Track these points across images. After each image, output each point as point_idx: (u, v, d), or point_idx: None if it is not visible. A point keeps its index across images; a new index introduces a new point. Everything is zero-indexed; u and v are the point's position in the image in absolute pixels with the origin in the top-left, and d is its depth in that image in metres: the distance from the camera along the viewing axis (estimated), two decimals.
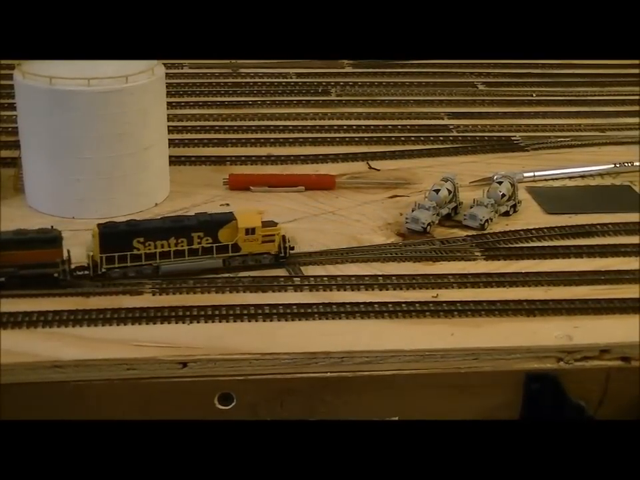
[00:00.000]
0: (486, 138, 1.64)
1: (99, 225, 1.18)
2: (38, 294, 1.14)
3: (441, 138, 1.64)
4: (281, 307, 1.13)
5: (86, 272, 1.17)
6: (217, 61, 1.89)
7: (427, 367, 1.09)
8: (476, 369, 1.09)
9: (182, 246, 1.18)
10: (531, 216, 1.38)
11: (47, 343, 1.06)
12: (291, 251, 1.22)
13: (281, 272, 1.21)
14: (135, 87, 1.31)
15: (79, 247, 1.24)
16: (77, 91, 1.29)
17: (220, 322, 1.11)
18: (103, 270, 1.16)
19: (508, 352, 1.09)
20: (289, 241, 1.21)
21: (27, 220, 1.32)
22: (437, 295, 1.17)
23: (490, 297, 1.16)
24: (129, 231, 1.17)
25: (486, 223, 1.32)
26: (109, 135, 1.31)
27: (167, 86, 1.40)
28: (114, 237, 1.17)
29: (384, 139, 1.63)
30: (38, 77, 1.29)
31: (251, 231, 1.19)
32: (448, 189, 1.35)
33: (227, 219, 1.20)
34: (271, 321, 1.11)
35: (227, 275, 1.20)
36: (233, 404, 1.07)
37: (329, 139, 1.62)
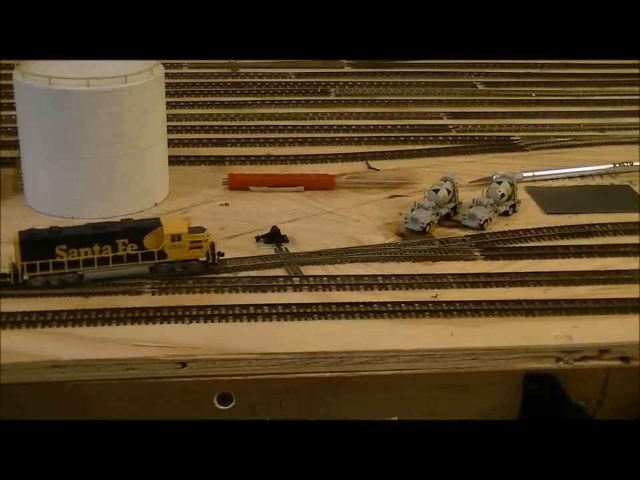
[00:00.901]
0: (485, 138, 1.64)
1: (20, 232, 1.16)
2: (37, 294, 1.14)
3: (440, 138, 1.64)
4: (280, 306, 1.13)
5: (7, 279, 1.15)
6: (216, 60, 1.89)
7: (427, 366, 1.09)
8: (475, 368, 1.09)
9: (106, 253, 1.15)
10: (530, 216, 1.38)
11: (46, 343, 1.06)
12: (220, 257, 1.20)
13: (280, 272, 1.21)
14: (134, 87, 1.31)
15: None
16: (76, 91, 1.29)
17: (219, 322, 1.11)
18: (25, 278, 1.14)
19: (507, 352, 1.09)
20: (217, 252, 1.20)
21: (26, 220, 1.32)
22: (436, 294, 1.17)
23: (489, 297, 1.16)
24: (50, 238, 1.15)
25: (485, 223, 1.32)
26: (108, 134, 1.31)
27: (166, 86, 1.40)
28: (35, 244, 1.15)
29: (383, 138, 1.63)
30: (37, 77, 1.29)
31: (177, 238, 1.17)
32: (447, 189, 1.35)
33: (152, 225, 1.17)
34: (270, 320, 1.11)
35: (223, 275, 1.19)
36: (232, 404, 1.07)
37: (328, 139, 1.61)
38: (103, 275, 1.17)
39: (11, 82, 1.35)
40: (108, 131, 1.31)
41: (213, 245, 1.19)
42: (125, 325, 1.10)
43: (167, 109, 1.41)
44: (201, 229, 1.19)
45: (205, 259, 1.19)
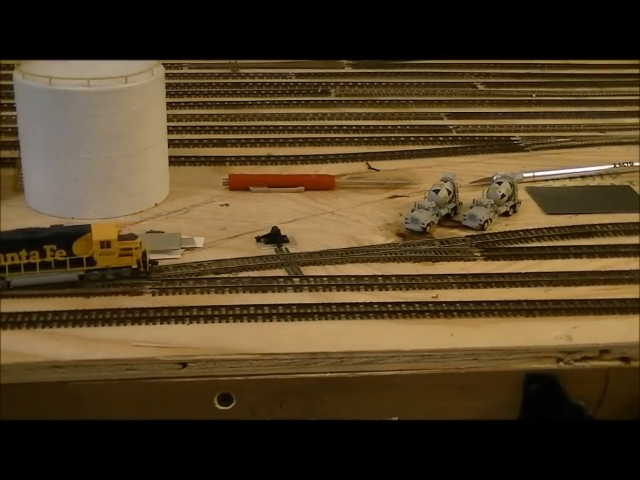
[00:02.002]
0: (485, 138, 1.64)
1: None
2: (37, 294, 1.14)
3: (441, 138, 1.64)
4: (280, 307, 1.13)
5: None
6: (216, 61, 1.89)
7: (427, 367, 1.09)
8: (475, 369, 1.09)
9: (34, 259, 1.14)
10: (531, 216, 1.38)
11: (46, 343, 1.06)
12: (154, 266, 1.19)
13: (280, 272, 1.21)
14: (134, 87, 1.31)
15: None
16: (76, 91, 1.28)
17: (219, 322, 1.11)
18: None
19: (507, 352, 1.09)
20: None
21: (26, 220, 1.32)
22: (437, 295, 1.17)
23: (489, 297, 1.16)
24: None
25: (485, 223, 1.32)
26: (108, 135, 1.31)
27: (166, 86, 1.40)
28: None
29: (383, 139, 1.63)
30: (37, 77, 1.29)
31: (106, 244, 1.15)
32: (447, 189, 1.35)
33: (80, 231, 1.16)
34: (270, 321, 1.11)
35: (224, 275, 1.19)
36: (233, 404, 1.07)
37: (328, 139, 1.62)
38: (30, 282, 1.15)
39: (11, 82, 1.35)
40: (108, 131, 1.31)
41: (145, 253, 1.17)
42: (125, 325, 1.10)
43: (167, 109, 1.41)
44: (133, 236, 1.17)
45: (136, 266, 1.17)
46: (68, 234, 1.15)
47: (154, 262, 1.19)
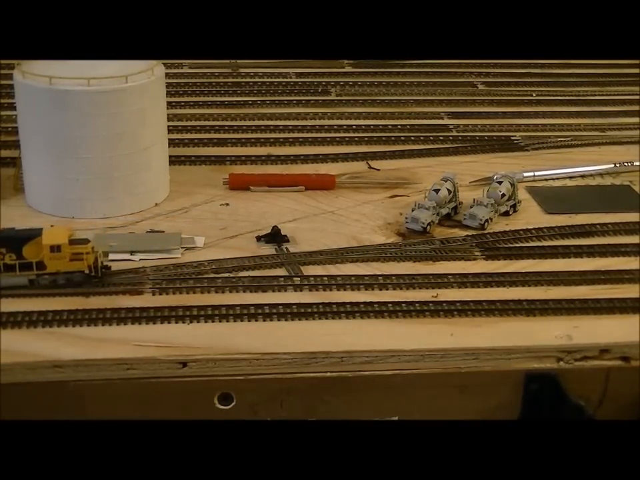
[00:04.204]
0: (486, 138, 1.64)
1: None
2: (38, 294, 1.14)
3: (441, 138, 1.64)
4: (280, 306, 1.13)
5: None
6: (217, 60, 1.89)
7: (427, 366, 1.09)
8: (476, 368, 1.09)
9: None
10: (531, 216, 1.38)
11: (46, 343, 1.06)
12: (107, 271, 1.18)
13: (280, 272, 1.21)
14: (134, 86, 1.31)
15: None
16: (76, 90, 1.28)
17: (220, 322, 1.11)
18: None
19: (508, 352, 1.09)
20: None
21: (27, 220, 1.32)
22: (437, 294, 1.17)
23: (490, 297, 1.16)
24: None
25: (486, 223, 1.32)
26: (108, 134, 1.31)
27: (166, 86, 1.40)
28: None
29: (384, 138, 1.63)
30: (38, 76, 1.29)
31: (56, 248, 1.14)
32: (448, 189, 1.35)
33: (31, 235, 1.15)
34: (270, 320, 1.11)
35: (224, 275, 1.19)
36: (233, 404, 1.07)
37: (328, 139, 1.62)
38: None
39: (12, 82, 1.35)
40: (108, 131, 1.31)
41: (97, 258, 1.16)
42: (125, 324, 1.10)
43: (167, 108, 1.41)
44: (85, 241, 1.16)
45: (87, 271, 1.16)
46: (17, 237, 1.15)
47: (107, 267, 1.18)
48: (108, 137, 1.31)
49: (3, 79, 1.58)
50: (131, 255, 1.23)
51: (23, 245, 1.14)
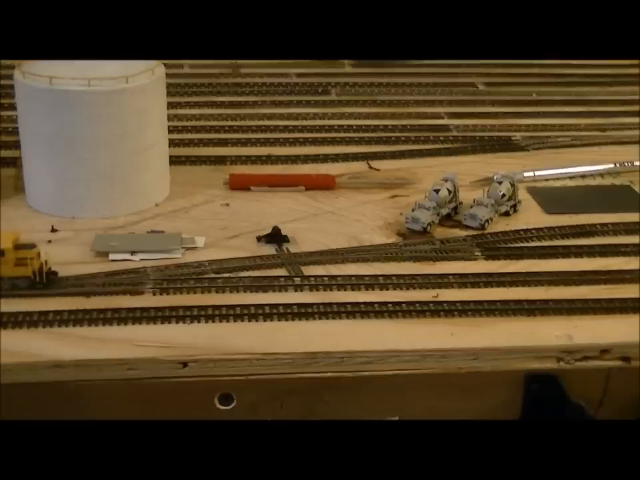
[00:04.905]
0: (486, 138, 1.64)
1: None
2: (39, 294, 1.15)
3: (441, 138, 1.64)
4: (281, 306, 1.13)
5: None
6: (217, 60, 1.89)
7: (427, 366, 1.09)
8: (476, 368, 1.09)
9: None
10: (531, 216, 1.38)
11: (47, 343, 1.06)
12: (53, 276, 1.16)
13: (281, 272, 1.21)
14: (135, 87, 1.31)
15: (80, 247, 1.25)
16: (77, 91, 1.28)
17: (220, 322, 1.11)
18: None
19: (508, 352, 1.09)
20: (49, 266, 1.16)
21: (27, 220, 1.32)
22: (437, 294, 1.17)
23: (490, 297, 1.16)
24: None
25: (486, 223, 1.32)
26: (109, 135, 1.31)
27: (167, 86, 1.40)
28: None
29: (384, 138, 1.63)
30: (38, 77, 1.29)
31: (0, 253, 1.13)
32: (448, 189, 1.35)
33: None
34: (271, 320, 1.11)
35: (224, 275, 1.19)
36: (233, 404, 1.07)
37: (329, 139, 1.62)
38: None
39: (12, 82, 1.35)
40: (109, 131, 1.31)
41: (44, 264, 1.15)
42: (126, 325, 1.10)
43: (167, 108, 1.41)
44: (31, 246, 1.15)
45: (32, 277, 1.15)
46: None
47: (54, 273, 1.16)
48: (108, 137, 1.31)
49: (4, 79, 1.58)
50: (132, 255, 1.23)
51: None
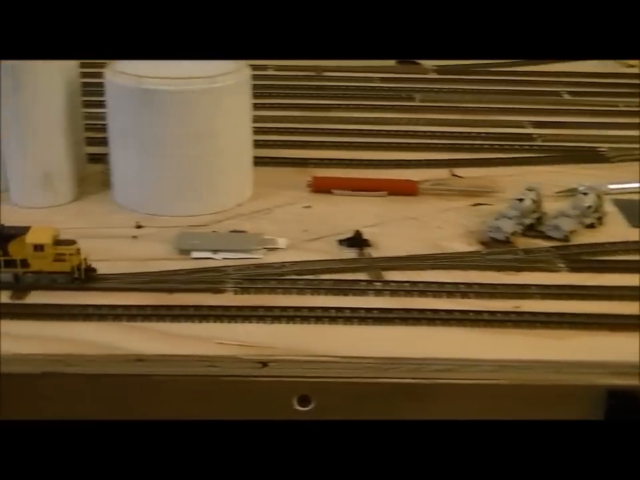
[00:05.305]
0: (571, 148, 1.62)
1: None
2: (122, 288, 1.16)
3: (525, 147, 1.62)
4: (361, 311, 1.13)
5: None
6: (301, 63, 1.90)
7: (506, 377, 1.07)
8: (556, 382, 1.07)
9: None
10: (617, 229, 1.36)
11: (130, 337, 1.08)
12: (92, 274, 1.17)
13: (362, 276, 1.21)
14: (221, 87, 1.32)
15: (163, 244, 1.27)
16: (164, 90, 1.30)
17: (300, 323, 1.11)
18: None
19: (590, 366, 1.07)
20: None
21: (113, 215, 1.35)
22: (519, 305, 1.15)
23: (573, 310, 1.14)
24: None
25: (570, 234, 1.31)
26: (194, 134, 1.32)
27: (252, 87, 1.41)
28: None
29: (467, 146, 1.62)
30: (127, 75, 1.31)
31: (39, 248, 1.14)
32: (532, 199, 1.33)
33: (16, 232, 1.15)
34: (351, 324, 1.11)
35: (306, 277, 1.20)
36: (311, 406, 1.07)
37: (411, 145, 1.61)
38: None
39: (99, 80, 1.37)
40: (194, 130, 1.32)
41: (83, 260, 1.16)
42: (207, 322, 1.10)
43: (252, 109, 1.42)
44: (71, 242, 1.16)
45: (71, 272, 1.16)
46: (4, 235, 1.15)
47: (92, 269, 1.18)
48: (193, 137, 1.33)
49: (93, 77, 1.60)
50: (214, 253, 1.24)
51: (8, 242, 1.15)
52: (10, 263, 1.15)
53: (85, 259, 1.17)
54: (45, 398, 1.06)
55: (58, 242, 1.16)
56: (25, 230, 1.16)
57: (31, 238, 1.15)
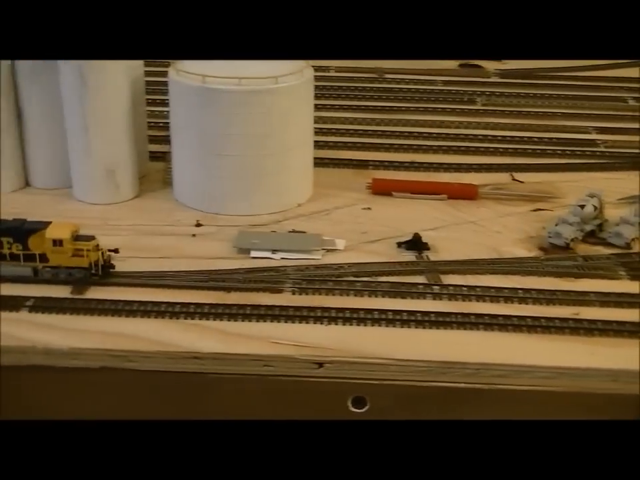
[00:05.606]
0: (635, 155, 1.60)
1: None
2: (177, 285, 1.17)
3: (588, 152, 1.61)
4: (418, 314, 1.13)
5: None
6: (362, 63, 1.90)
7: (563, 384, 1.07)
8: (614, 390, 1.06)
9: None
10: None
11: (187, 334, 1.09)
12: (111, 270, 1.18)
13: (420, 279, 1.20)
14: (284, 87, 1.33)
15: (222, 242, 1.28)
16: (227, 89, 1.31)
17: (357, 325, 1.11)
18: None
19: None
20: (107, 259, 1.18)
21: (173, 213, 1.36)
22: (578, 312, 1.14)
23: (633, 318, 1.13)
24: None
25: (632, 242, 1.29)
26: (255, 134, 1.33)
27: (314, 88, 1.41)
28: None
29: (529, 150, 1.61)
30: (191, 74, 1.32)
31: (58, 243, 1.15)
32: (593, 205, 1.32)
33: (35, 227, 1.16)
34: (408, 327, 1.11)
35: (363, 279, 1.20)
36: (366, 407, 1.07)
37: (472, 148, 1.61)
38: None
39: (163, 79, 1.38)
40: (256, 130, 1.33)
41: (101, 256, 1.17)
42: (264, 322, 1.11)
43: (313, 110, 1.43)
44: (90, 238, 1.17)
45: (89, 268, 1.17)
46: (25, 229, 1.17)
47: (111, 266, 1.18)
48: (255, 136, 1.33)
49: (156, 76, 1.62)
50: (273, 253, 1.25)
51: (28, 237, 1.17)
52: (29, 257, 1.17)
53: (102, 254, 1.18)
54: (103, 393, 1.08)
55: (77, 237, 1.17)
56: (45, 225, 1.18)
57: (50, 233, 1.16)
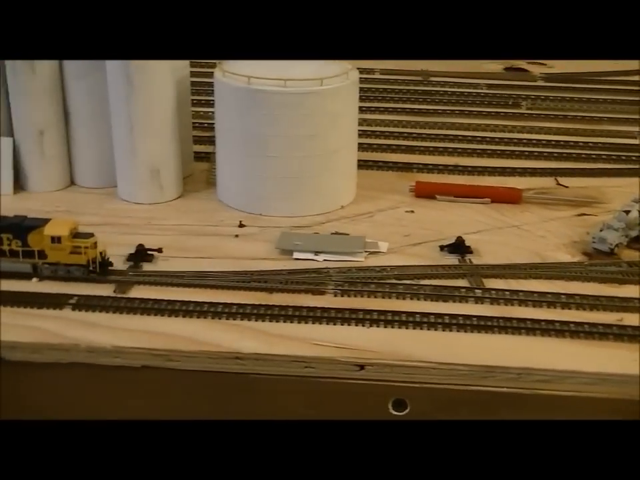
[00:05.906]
0: None
1: None
2: (219, 285, 1.18)
3: (633, 158, 1.59)
4: (460, 317, 1.12)
5: None
6: (408, 65, 1.89)
7: (606, 391, 1.06)
8: None
9: None
10: None
11: (229, 335, 1.09)
12: (109, 267, 1.18)
13: (462, 283, 1.20)
14: (329, 89, 1.33)
15: (265, 243, 1.28)
16: (273, 91, 1.31)
17: (399, 328, 1.11)
18: None
19: None
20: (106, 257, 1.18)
21: (216, 213, 1.37)
22: (622, 318, 1.13)
23: None
24: None
25: None
26: (300, 135, 1.34)
27: (359, 90, 1.41)
28: None
29: (573, 155, 1.60)
30: (237, 76, 1.33)
31: (57, 240, 1.16)
32: (639, 211, 1.31)
33: (35, 224, 1.17)
34: (450, 331, 1.11)
35: (406, 282, 1.20)
36: (407, 410, 1.07)
37: (516, 152, 1.60)
38: None
39: (208, 80, 1.39)
40: (300, 132, 1.33)
41: (100, 254, 1.17)
42: (306, 323, 1.11)
43: (358, 113, 1.43)
44: (88, 235, 1.17)
45: (87, 265, 1.17)
46: (24, 226, 1.18)
47: (109, 263, 1.19)
48: (299, 138, 1.34)
49: (201, 77, 1.63)
50: (315, 255, 1.25)
51: (28, 233, 1.17)
52: (29, 254, 1.18)
53: (101, 252, 1.18)
54: (143, 392, 1.09)
55: (76, 235, 1.18)
56: (44, 222, 1.18)
57: (49, 230, 1.17)
